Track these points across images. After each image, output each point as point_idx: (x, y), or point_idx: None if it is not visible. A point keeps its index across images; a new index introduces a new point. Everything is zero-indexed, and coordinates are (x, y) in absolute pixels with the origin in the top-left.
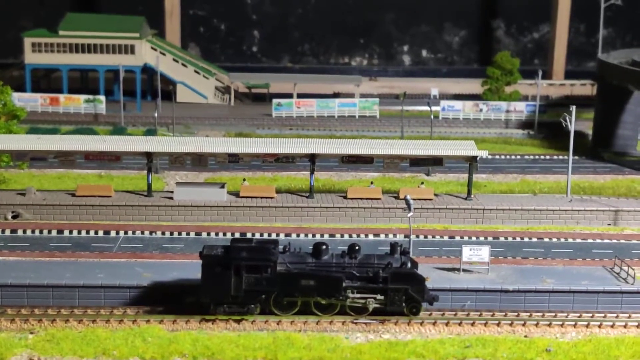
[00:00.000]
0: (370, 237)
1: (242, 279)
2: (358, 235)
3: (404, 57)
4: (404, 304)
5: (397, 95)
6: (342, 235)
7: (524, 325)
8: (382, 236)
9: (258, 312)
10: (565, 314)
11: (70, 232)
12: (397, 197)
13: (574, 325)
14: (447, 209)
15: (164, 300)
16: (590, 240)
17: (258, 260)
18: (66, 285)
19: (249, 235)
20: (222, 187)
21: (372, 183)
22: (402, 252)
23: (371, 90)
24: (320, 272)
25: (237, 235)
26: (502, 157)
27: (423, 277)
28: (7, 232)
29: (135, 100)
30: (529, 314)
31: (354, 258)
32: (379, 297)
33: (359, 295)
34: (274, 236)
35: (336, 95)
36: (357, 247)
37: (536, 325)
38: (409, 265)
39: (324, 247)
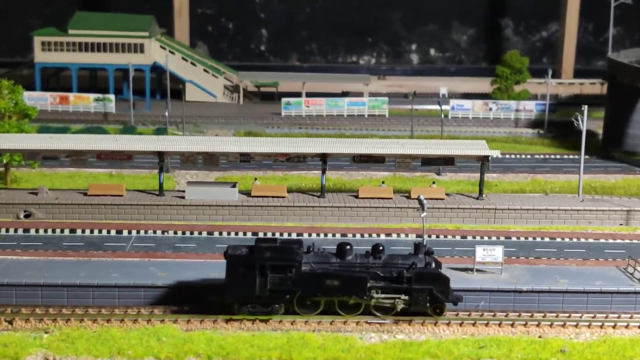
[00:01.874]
0: (382, 236)
1: (267, 279)
2: (370, 235)
3: (412, 55)
4: (428, 304)
5: (406, 94)
6: (353, 235)
7: (538, 325)
8: (394, 236)
9: (282, 312)
10: (579, 315)
11: (83, 231)
12: (408, 197)
13: (588, 326)
14: (459, 208)
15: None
16: (602, 240)
17: (283, 260)
18: (80, 285)
19: (260, 234)
20: (234, 186)
21: (383, 182)
22: (426, 252)
23: (380, 89)
24: (344, 272)
25: (248, 234)
26: (513, 156)
27: (447, 277)
28: (20, 232)
29: (144, 99)
30: (543, 314)
31: (378, 258)
32: (403, 297)
33: (383, 296)
34: (285, 235)
35: (345, 94)
36: (381, 247)
37: (550, 325)
38: (433, 265)
39: (348, 247)
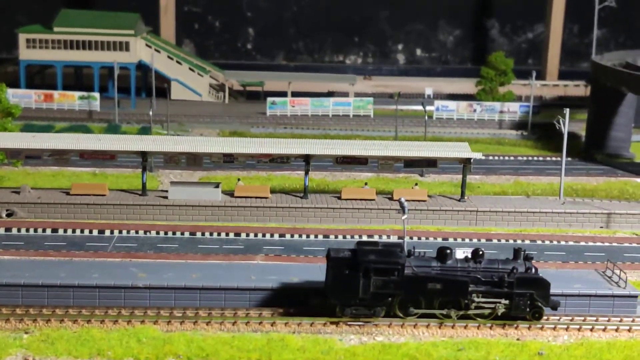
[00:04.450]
0: (364, 238)
1: (370, 282)
2: (352, 236)
3: (398, 55)
4: (528, 309)
5: (391, 95)
6: (336, 236)
7: (516, 328)
8: (376, 237)
9: (383, 315)
10: (558, 318)
11: (65, 231)
12: (391, 198)
13: (566, 329)
14: (441, 210)
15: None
16: (582, 243)
17: (387, 264)
18: (61, 285)
19: (243, 235)
20: (217, 186)
21: (366, 184)
22: (525, 258)
23: (365, 89)
24: (446, 276)
25: (231, 235)
26: (496, 158)
27: (548, 282)
28: (2, 231)
29: (129, 97)
30: None
31: (479, 262)
32: (503, 301)
33: (483, 300)
34: (268, 236)
35: (330, 94)
36: (481, 252)
37: (528, 328)
38: (533, 270)
39: (449, 251)
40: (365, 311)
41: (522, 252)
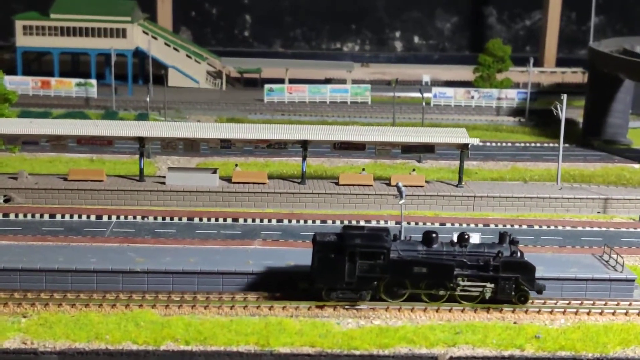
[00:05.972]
0: (362, 223)
1: (356, 265)
2: (349, 222)
3: (396, 43)
4: (513, 293)
5: (388, 82)
6: (333, 222)
7: (513, 312)
8: (374, 223)
9: (369, 298)
10: (554, 301)
11: (63, 216)
12: (388, 184)
13: (563, 312)
14: (438, 195)
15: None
16: (579, 228)
17: (373, 247)
18: (59, 270)
19: (241, 221)
20: (214, 172)
21: (363, 169)
22: (511, 242)
23: (363, 76)
24: (431, 260)
25: (229, 220)
26: (493, 144)
27: (534, 266)
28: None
29: (126, 84)
30: None
31: (464, 247)
32: (489, 285)
33: (469, 284)
34: (265, 222)
35: (328, 81)
36: (466, 236)
37: (525, 312)
38: (519, 254)
39: (434, 235)
40: (351, 295)
41: (508, 236)
